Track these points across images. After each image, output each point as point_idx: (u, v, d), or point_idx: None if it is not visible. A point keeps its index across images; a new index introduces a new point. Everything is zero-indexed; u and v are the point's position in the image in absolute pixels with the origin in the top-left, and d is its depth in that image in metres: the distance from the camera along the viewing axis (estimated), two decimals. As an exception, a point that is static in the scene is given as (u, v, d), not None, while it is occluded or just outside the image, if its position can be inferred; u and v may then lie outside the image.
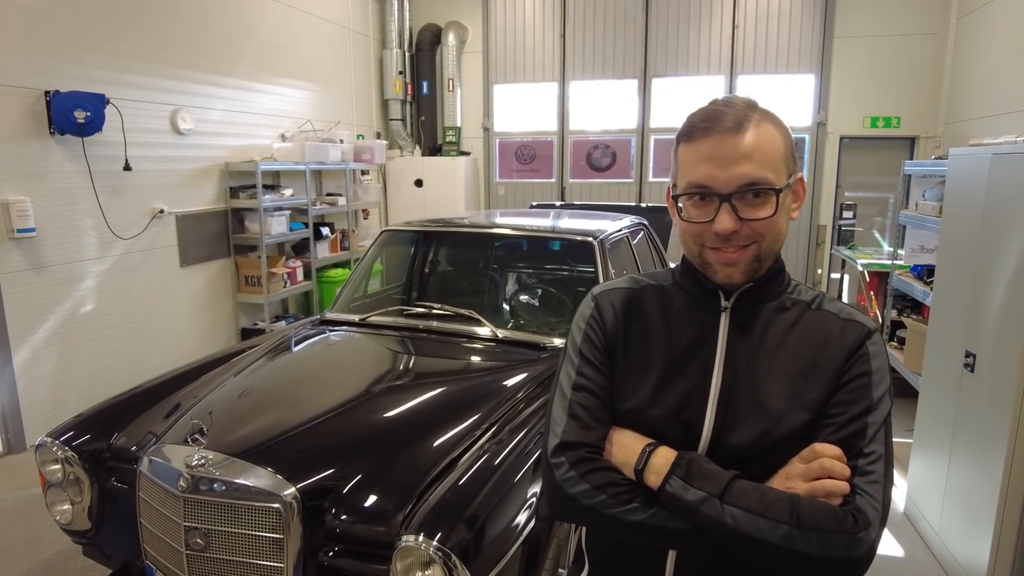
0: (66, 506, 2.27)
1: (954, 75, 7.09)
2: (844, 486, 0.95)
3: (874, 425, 1.00)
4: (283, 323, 6.24)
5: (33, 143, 4.09)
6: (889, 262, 4.27)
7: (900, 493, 3.51)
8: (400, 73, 8.38)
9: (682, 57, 7.96)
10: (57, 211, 4.26)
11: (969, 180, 2.90)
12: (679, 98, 8.09)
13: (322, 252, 6.75)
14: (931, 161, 3.72)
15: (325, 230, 6.81)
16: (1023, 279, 2.41)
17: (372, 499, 1.87)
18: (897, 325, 3.87)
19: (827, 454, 0.97)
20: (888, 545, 3.12)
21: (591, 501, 1.03)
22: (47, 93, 4.11)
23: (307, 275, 6.50)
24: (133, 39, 4.79)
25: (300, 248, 6.62)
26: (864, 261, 5.02)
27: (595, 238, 3.34)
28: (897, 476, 3.61)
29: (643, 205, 5.96)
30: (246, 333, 5.97)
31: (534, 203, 6.40)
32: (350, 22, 7.77)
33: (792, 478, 0.98)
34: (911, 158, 7.38)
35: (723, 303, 1.10)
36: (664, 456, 1.02)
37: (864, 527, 0.93)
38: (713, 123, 1.02)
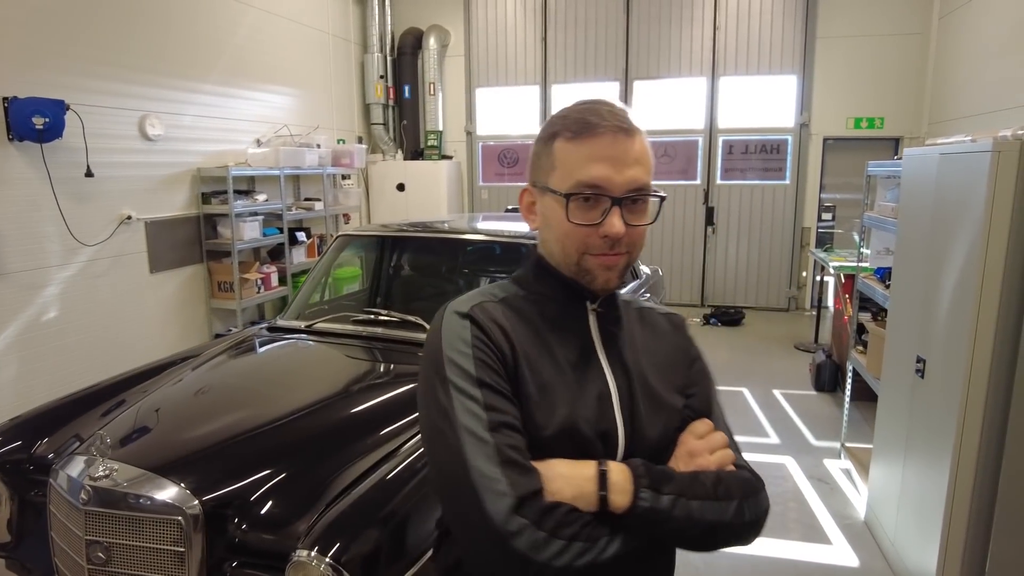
0: (-16, 518, 2.22)
1: (937, 75, 7.03)
2: (732, 454, 1.05)
3: (714, 397, 1.16)
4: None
5: (-11, 149, 4.07)
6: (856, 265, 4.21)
7: (861, 501, 3.44)
8: (381, 77, 8.35)
9: (664, 59, 7.91)
10: (18, 218, 4.23)
11: (920, 181, 2.84)
12: (661, 100, 8.04)
13: (298, 257, 6.71)
14: (891, 161, 3.66)
15: (301, 235, 6.78)
16: (969, 283, 2.35)
17: (275, 510, 1.82)
18: (863, 329, 3.82)
19: (710, 429, 1.07)
20: (845, 555, 3.06)
21: (566, 558, 0.87)
22: (4, 99, 4.09)
23: (282, 280, 6.46)
24: (97, 45, 4.76)
25: (276, 253, 6.59)
26: (836, 264, 4.96)
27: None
28: (860, 483, 3.55)
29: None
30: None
31: (509, 207, 6.35)
32: (330, 27, 7.75)
33: (697, 455, 1.02)
34: (895, 158, 7.32)
35: (590, 307, 1.08)
36: (620, 471, 0.94)
37: (761, 481, 1.05)
38: (607, 120, 0.99)
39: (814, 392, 5.20)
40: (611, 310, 1.10)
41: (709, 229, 8.10)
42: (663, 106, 8.05)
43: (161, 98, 5.34)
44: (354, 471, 1.96)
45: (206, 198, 5.73)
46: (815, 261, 6.49)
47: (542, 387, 0.99)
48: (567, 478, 0.92)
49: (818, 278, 6.57)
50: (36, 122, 4.13)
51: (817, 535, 3.22)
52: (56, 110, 4.24)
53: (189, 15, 5.60)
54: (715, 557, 3.00)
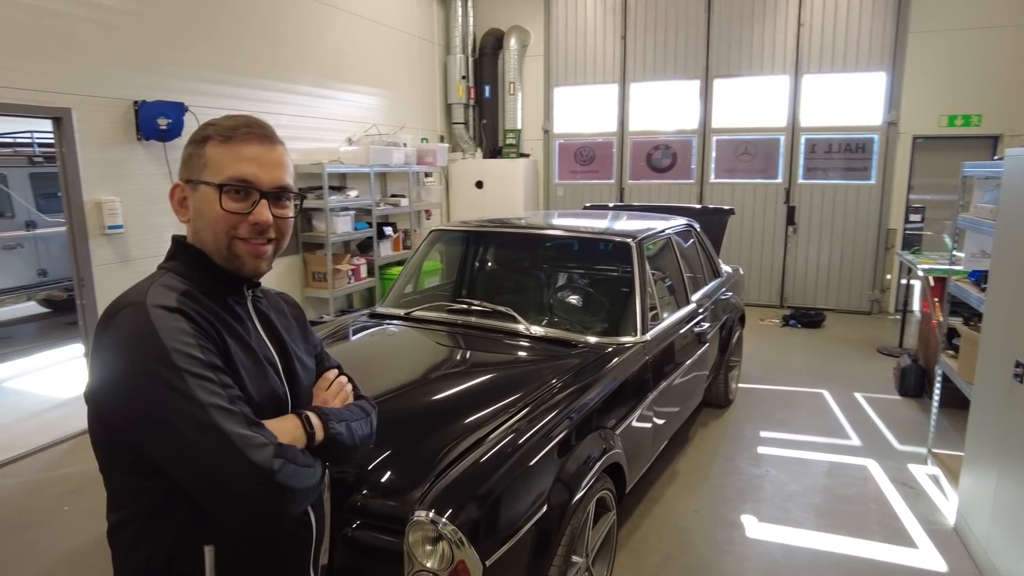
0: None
1: (1042, 70, 6.66)
2: (350, 391, 1.41)
3: (323, 346, 1.50)
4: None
5: (123, 148, 4.51)
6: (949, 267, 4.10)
7: (950, 507, 3.39)
8: (463, 78, 8.60)
9: (745, 57, 7.82)
10: (141, 209, 4.66)
11: None
12: (741, 98, 7.95)
13: (385, 250, 7.04)
14: (990, 162, 3.56)
15: (388, 230, 7.10)
16: (1072, 286, 2.32)
17: (393, 476, 2.02)
18: (953, 333, 3.73)
19: (335, 376, 1.41)
20: (932, 560, 3.04)
21: (306, 480, 1.11)
22: (136, 103, 4.51)
23: (370, 272, 6.79)
24: (210, 52, 5.17)
25: (364, 246, 6.92)
26: (925, 266, 4.83)
27: (633, 239, 3.39)
28: (948, 489, 3.49)
29: (700, 207, 5.91)
30: (312, 326, 6.31)
31: (587, 204, 6.46)
32: (415, 29, 8.04)
33: (328, 402, 1.34)
34: (993, 158, 6.99)
35: (246, 293, 1.28)
36: (315, 417, 1.22)
37: (372, 401, 1.44)
38: (255, 130, 1.19)
39: (898, 396, 5.08)
40: (261, 296, 1.33)
41: (790, 229, 7.96)
42: (743, 104, 7.95)
43: (264, 99, 5.72)
44: (457, 449, 2.13)
45: (302, 192, 6.09)
46: (901, 263, 6.31)
47: (244, 365, 1.17)
48: (282, 431, 1.14)
49: (904, 281, 6.38)
50: (160, 123, 4.54)
51: (901, 538, 3.20)
52: (177, 112, 4.64)
53: (285, 21, 5.97)
54: (794, 553, 3.05)
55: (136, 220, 4.62)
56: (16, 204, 6.90)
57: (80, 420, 4.58)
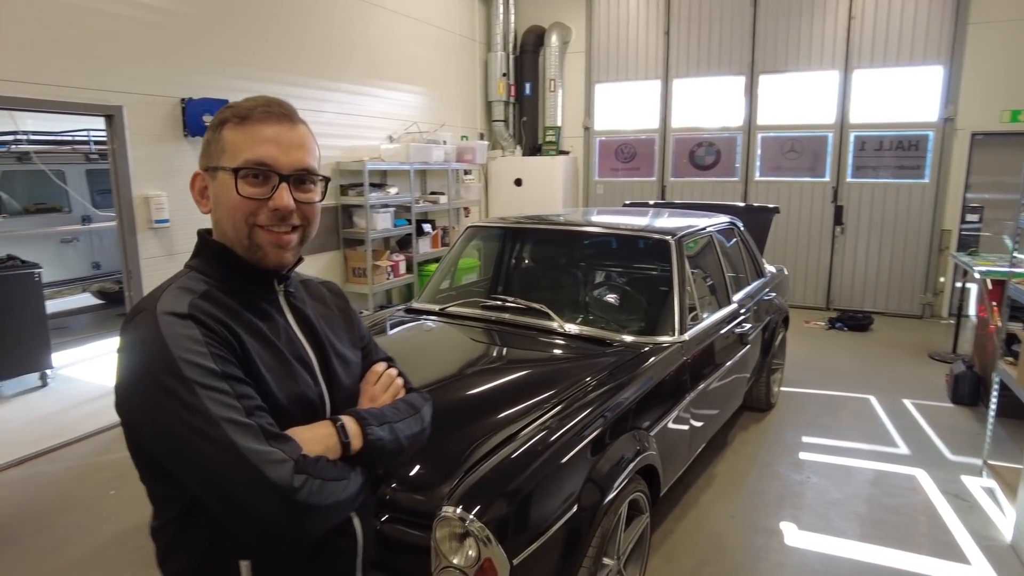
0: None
1: (1114, 63, 6.30)
2: (400, 384, 1.31)
3: (371, 337, 1.40)
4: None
5: (169, 144, 4.63)
6: (1009, 270, 3.91)
7: (1007, 523, 3.23)
8: (504, 75, 8.59)
9: (792, 52, 7.61)
10: (187, 204, 4.76)
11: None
12: (788, 94, 7.74)
13: (424, 247, 7.08)
14: (1055, 159, 3.38)
15: (427, 227, 7.14)
16: None
17: (422, 470, 2.01)
18: (1013, 339, 3.54)
19: (384, 370, 1.31)
20: None
21: (334, 495, 1.03)
22: (182, 100, 4.63)
23: (409, 268, 6.84)
24: (253, 51, 5.28)
25: (404, 243, 6.98)
26: (983, 268, 4.60)
27: (673, 236, 3.33)
28: (1005, 504, 3.33)
29: (744, 205, 5.78)
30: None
31: (627, 201, 6.38)
32: (457, 26, 8.07)
33: (377, 398, 1.26)
34: (1058, 156, 6.64)
35: (277, 287, 1.19)
36: (350, 421, 1.12)
37: (425, 392, 1.35)
38: (273, 109, 1.10)
39: (951, 404, 4.87)
40: (294, 288, 1.23)
41: (837, 229, 7.71)
42: (790, 100, 7.74)
43: (307, 96, 5.81)
44: (487, 445, 2.11)
45: (344, 190, 6.18)
46: (956, 265, 6.04)
47: (269, 369, 1.09)
48: (312, 439, 1.06)
49: (959, 284, 6.11)
50: (206, 120, 4.65)
51: (952, 553, 3.05)
52: (223, 109, 4.74)
53: (327, 19, 6.05)
54: (835, 564, 2.94)
55: (182, 214, 4.74)
56: (73, 200, 7.17)
57: (127, 408, 4.73)
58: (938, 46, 7.00)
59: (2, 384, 5.11)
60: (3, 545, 3.14)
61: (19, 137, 6.83)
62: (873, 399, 4.98)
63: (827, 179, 7.70)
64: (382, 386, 1.28)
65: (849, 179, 7.60)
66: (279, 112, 1.11)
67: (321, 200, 1.17)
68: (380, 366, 1.32)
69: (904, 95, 7.22)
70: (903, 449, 4.13)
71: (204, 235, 1.17)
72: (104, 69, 4.19)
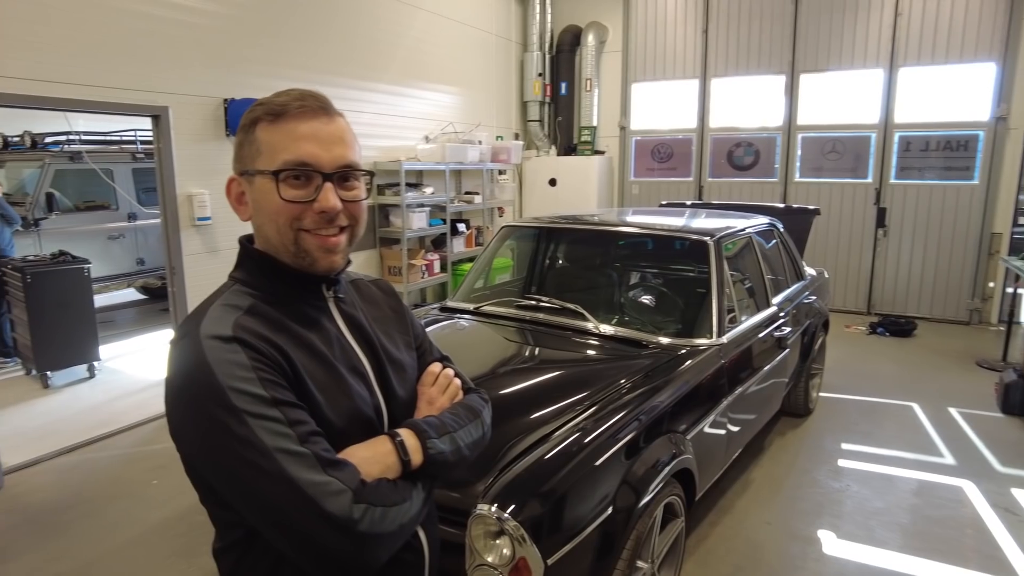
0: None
1: None
2: (458, 385, 1.24)
3: (426, 336, 1.34)
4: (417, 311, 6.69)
5: (212, 143, 4.74)
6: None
7: (1058, 535, 3.11)
8: (540, 75, 8.58)
9: (835, 50, 7.43)
10: (228, 202, 4.88)
11: None
12: (830, 93, 7.56)
13: (458, 247, 7.12)
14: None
15: (461, 226, 7.18)
16: None
17: (457, 470, 2.02)
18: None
19: (441, 370, 1.24)
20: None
21: (396, 521, 0.98)
22: (225, 100, 4.74)
23: (443, 267, 6.89)
24: (294, 52, 5.37)
25: (438, 242, 7.03)
26: (1036, 273, 4.44)
27: (711, 237, 3.28)
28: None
29: (783, 206, 5.67)
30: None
31: (663, 201, 6.31)
32: (493, 27, 8.09)
33: (435, 400, 1.19)
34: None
35: (325, 293, 1.12)
36: (409, 436, 1.06)
37: (483, 391, 1.30)
38: (307, 102, 1.02)
39: (1000, 414, 4.70)
40: (343, 293, 1.16)
41: (880, 231, 7.52)
42: (831, 100, 7.56)
43: (345, 97, 5.89)
44: (521, 444, 2.11)
45: (380, 190, 6.25)
46: (1007, 270, 5.84)
47: (322, 387, 1.02)
48: (371, 459, 1.00)
49: (1010, 289, 5.90)
50: (248, 120, 4.74)
51: (1001, 568, 2.95)
52: (264, 110, 4.83)
53: (368, 21, 6.12)
54: (875, 575, 2.86)
55: (223, 212, 4.84)
56: (120, 197, 7.40)
57: (170, 401, 4.86)
58: (990, 42, 6.76)
59: (53, 375, 5.30)
60: (56, 528, 3.26)
61: (72, 137, 7.07)
62: (916, 407, 4.84)
63: (869, 180, 7.51)
64: (439, 387, 1.21)
65: (893, 180, 7.40)
66: (315, 105, 1.03)
67: (367, 197, 1.11)
68: (436, 366, 1.25)
69: (953, 94, 6.99)
70: (949, 459, 4.01)
71: (245, 243, 1.11)
72: (151, 71, 4.31)
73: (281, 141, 1.01)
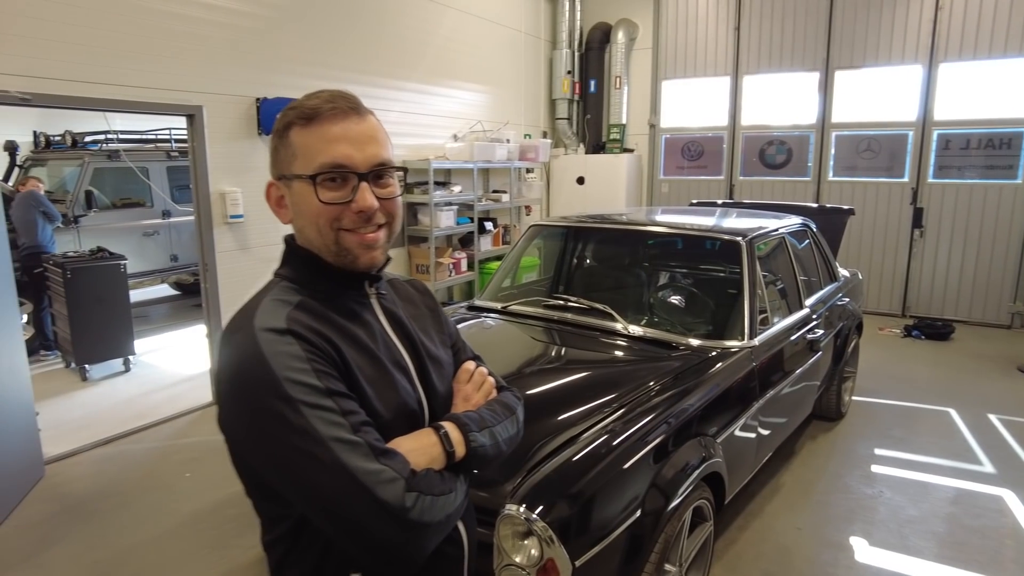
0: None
1: None
2: (492, 384, 1.26)
3: (459, 334, 1.37)
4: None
5: (245, 142, 4.81)
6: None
7: (1103, 548, 3.00)
8: (568, 73, 8.55)
9: (871, 46, 7.27)
10: (260, 200, 4.94)
11: None
12: (865, 90, 7.40)
13: (485, 245, 7.13)
14: None
15: (489, 225, 7.19)
16: None
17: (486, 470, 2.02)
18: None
19: (474, 368, 1.26)
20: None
21: (444, 509, 1.01)
22: (257, 100, 4.81)
23: (470, 266, 6.90)
24: (323, 51, 5.42)
25: (466, 241, 7.04)
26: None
27: (743, 237, 3.24)
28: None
29: (817, 206, 5.57)
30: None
31: (694, 200, 6.24)
32: (522, 25, 8.07)
33: (471, 397, 1.21)
34: None
35: (368, 290, 1.16)
36: (452, 428, 1.09)
37: (514, 388, 1.32)
38: (338, 103, 1.05)
39: (1042, 421, 4.57)
40: (384, 290, 1.20)
41: (916, 232, 7.34)
42: (867, 97, 7.40)
43: (375, 95, 5.93)
44: (549, 445, 2.10)
45: (409, 188, 6.28)
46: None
47: (370, 380, 1.05)
48: (418, 450, 1.03)
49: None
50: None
51: (1041, 579, 2.87)
52: (296, 108, 4.89)
53: (399, 20, 6.16)
54: (912, 583, 2.80)
55: (255, 210, 4.91)
56: (155, 195, 7.56)
57: (203, 394, 4.95)
58: (1035, 38, 6.55)
59: (91, 368, 5.44)
60: (91, 518, 3.34)
61: (110, 136, 7.24)
62: (953, 412, 4.72)
63: (906, 179, 7.33)
64: (474, 385, 1.24)
65: (931, 180, 7.21)
66: (346, 106, 1.05)
67: (401, 193, 1.13)
68: (471, 364, 1.28)
69: (996, 90, 6.78)
70: (988, 467, 3.90)
71: (290, 241, 1.15)
72: (186, 71, 4.39)
73: (315, 144, 1.04)
